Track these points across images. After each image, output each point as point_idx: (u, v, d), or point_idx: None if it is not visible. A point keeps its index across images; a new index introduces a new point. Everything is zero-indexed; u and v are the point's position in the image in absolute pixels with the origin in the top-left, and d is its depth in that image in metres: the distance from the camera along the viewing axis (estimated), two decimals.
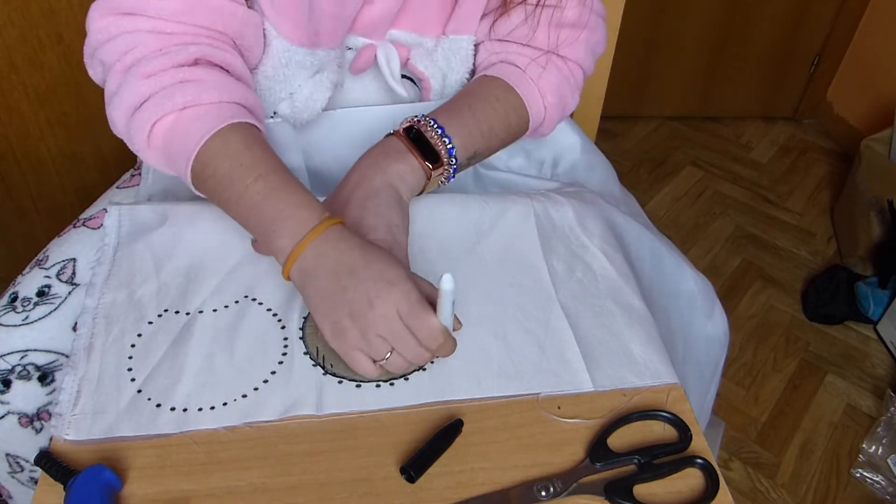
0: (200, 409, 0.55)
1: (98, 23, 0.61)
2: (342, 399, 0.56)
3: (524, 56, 0.75)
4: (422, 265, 0.66)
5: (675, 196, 2.05)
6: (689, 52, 2.19)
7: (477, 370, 0.59)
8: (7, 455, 0.65)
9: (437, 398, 0.57)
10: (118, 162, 1.39)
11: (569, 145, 0.88)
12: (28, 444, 0.64)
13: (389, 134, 0.70)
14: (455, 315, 0.58)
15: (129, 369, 0.57)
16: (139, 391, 0.56)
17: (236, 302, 0.63)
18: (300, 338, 0.61)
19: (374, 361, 0.56)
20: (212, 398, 0.55)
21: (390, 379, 0.58)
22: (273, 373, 0.58)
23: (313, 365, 0.59)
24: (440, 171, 0.69)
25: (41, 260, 0.69)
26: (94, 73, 0.66)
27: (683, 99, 2.32)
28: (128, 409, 0.54)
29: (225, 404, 0.55)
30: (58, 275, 0.67)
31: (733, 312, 1.69)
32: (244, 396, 0.56)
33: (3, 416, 0.63)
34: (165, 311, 0.61)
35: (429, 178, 0.68)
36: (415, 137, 0.68)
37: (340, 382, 0.57)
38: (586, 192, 0.79)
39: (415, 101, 0.80)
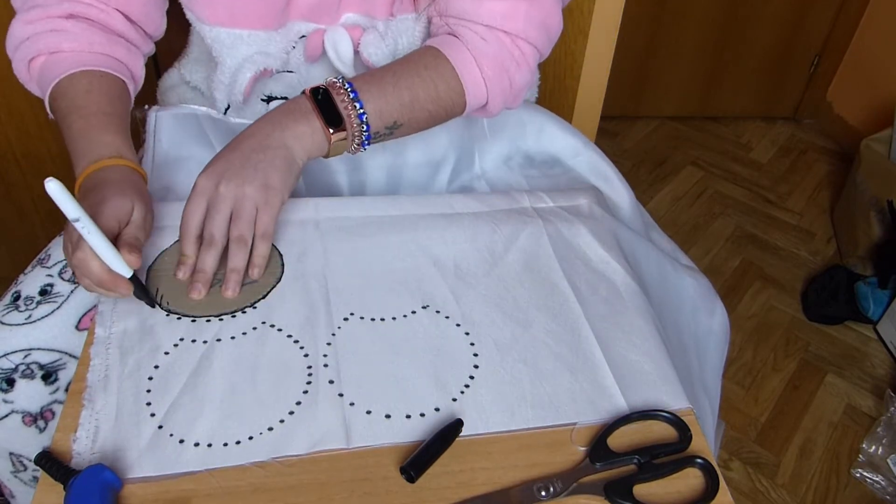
0: (226, 445, 0.53)
1: None
2: (371, 432, 0.54)
3: (467, 28, 0.73)
4: (440, 291, 0.66)
5: (675, 196, 2.05)
6: (689, 52, 2.19)
7: (509, 400, 0.57)
8: (10, 454, 0.65)
9: (471, 431, 0.55)
10: None
11: (567, 145, 0.88)
12: (31, 444, 0.64)
13: (302, 92, 0.69)
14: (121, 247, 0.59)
15: (149, 403, 0.55)
16: (160, 427, 0.53)
17: (254, 328, 0.61)
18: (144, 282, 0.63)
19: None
20: (237, 432, 0.53)
21: (221, 314, 0.62)
22: (298, 403, 0.56)
23: (148, 303, 0.62)
24: (342, 135, 0.68)
25: (43, 259, 0.69)
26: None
27: (683, 99, 2.32)
28: (149, 447, 0.52)
29: (251, 438, 0.53)
30: (60, 273, 0.67)
31: (733, 312, 1.69)
32: (270, 430, 0.54)
33: (6, 416, 0.63)
34: (181, 339, 0.60)
35: (330, 142, 0.68)
36: (322, 99, 0.67)
37: (369, 413, 0.56)
38: (594, 204, 0.78)
39: None
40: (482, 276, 0.68)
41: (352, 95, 0.68)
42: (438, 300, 0.65)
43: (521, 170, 0.88)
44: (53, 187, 0.52)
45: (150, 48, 0.77)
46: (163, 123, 0.79)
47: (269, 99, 0.80)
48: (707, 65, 2.23)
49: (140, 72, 0.75)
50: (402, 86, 0.70)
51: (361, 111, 0.68)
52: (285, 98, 0.80)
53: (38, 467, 0.50)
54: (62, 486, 0.49)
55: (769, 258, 1.86)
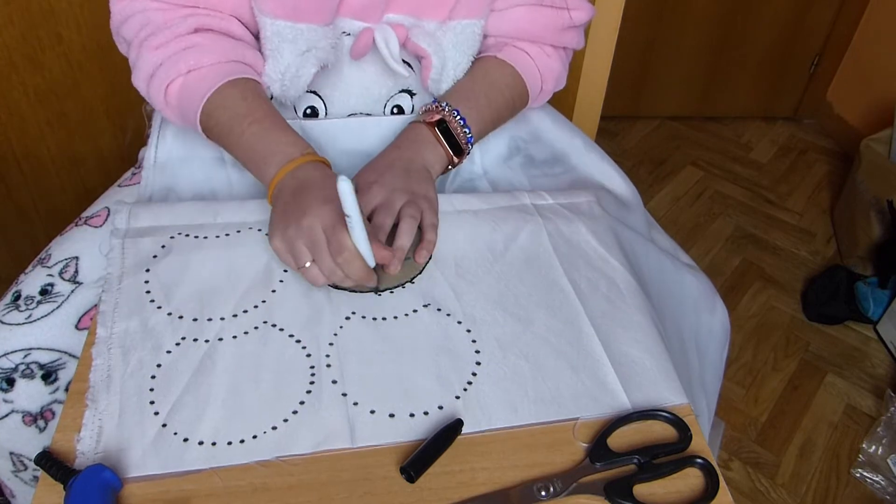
0: (230, 443, 0.53)
1: (116, 5, 0.71)
2: (375, 431, 0.54)
3: (532, 44, 0.81)
4: (441, 289, 0.66)
5: (675, 196, 2.05)
6: (689, 52, 2.19)
7: (512, 396, 0.57)
8: (11, 454, 0.65)
9: (474, 428, 0.55)
10: (118, 162, 1.39)
11: (569, 144, 0.88)
12: (32, 443, 0.65)
13: (416, 122, 0.76)
14: (382, 245, 0.63)
15: (152, 402, 0.55)
16: (164, 425, 0.53)
17: (256, 328, 0.61)
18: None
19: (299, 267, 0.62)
20: (241, 431, 0.53)
21: (384, 288, 0.65)
22: (302, 403, 0.56)
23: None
24: (460, 161, 0.76)
25: (43, 258, 0.69)
26: (121, 47, 0.75)
27: (683, 99, 2.32)
28: (154, 445, 0.52)
29: (255, 437, 0.53)
30: (60, 273, 0.67)
31: (733, 312, 1.69)
32: (274, 428, 0.54)
33: (6, 415, 0.63)
34: (183, 339, 0.60)
35: (449, 168, 0.76)
36: (444, 130, 0.74)
37: (373, 413, 0.55)
38: (593, 203, 0.78)
39: (413, 83, 0.81)
40: (483, 274, 0.68)
41: (462, 122, 0.75)
42: (439, 298, 0.65)
43: (523, 169, 0.88)
44: (345, 187, 0.55)
45: (257, 48, 0.77)
46: (169, 122, 0.79)
47: None
48: (707, 65, 2.23)
49: (262, 69, 0.75)
50: (493, 107, 0.79)
51: (469, 135, 0.76)
52: (313, 92, 0.79)
53: (38, 467, 0.50)
54: (62, 486, 0.49)
55: (769, 258, 1.86)
